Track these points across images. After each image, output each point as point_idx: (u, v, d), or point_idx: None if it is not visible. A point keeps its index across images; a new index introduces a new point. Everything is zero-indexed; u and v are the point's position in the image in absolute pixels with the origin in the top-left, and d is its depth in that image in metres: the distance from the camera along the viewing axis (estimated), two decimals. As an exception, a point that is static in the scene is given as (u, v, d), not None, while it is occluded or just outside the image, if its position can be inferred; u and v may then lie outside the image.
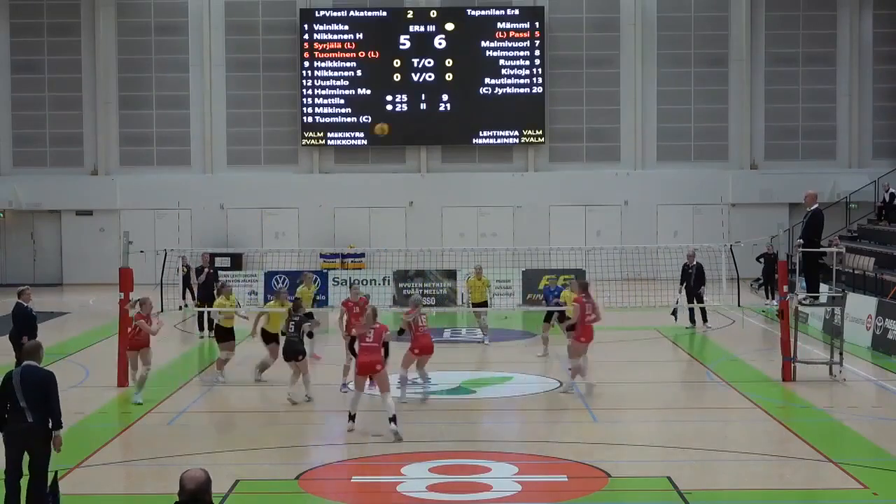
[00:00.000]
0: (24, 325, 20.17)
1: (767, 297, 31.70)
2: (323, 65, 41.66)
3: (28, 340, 19.98)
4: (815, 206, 21.26)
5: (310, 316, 20.57)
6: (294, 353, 18.73)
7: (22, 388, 11.63)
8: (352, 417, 16.62)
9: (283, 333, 19.16)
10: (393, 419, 15.99)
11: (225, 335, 21.09)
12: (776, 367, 21.03)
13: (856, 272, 31.05)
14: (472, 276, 26.34)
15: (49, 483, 11.62)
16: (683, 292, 27.78)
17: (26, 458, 11.79)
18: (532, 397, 19.72)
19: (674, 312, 27.76)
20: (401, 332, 19.29)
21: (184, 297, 30.37)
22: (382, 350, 17.09)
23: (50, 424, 11.71)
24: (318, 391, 19.60)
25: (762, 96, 42.17)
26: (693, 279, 27.71)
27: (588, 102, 42.10)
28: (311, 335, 19.21)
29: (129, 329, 19.91)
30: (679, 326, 27.73)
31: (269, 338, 20.59)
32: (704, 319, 28.04)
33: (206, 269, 27.24)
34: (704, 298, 27.51)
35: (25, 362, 11.90)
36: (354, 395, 16.77)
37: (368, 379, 16.86)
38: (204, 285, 26.92)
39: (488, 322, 26.47)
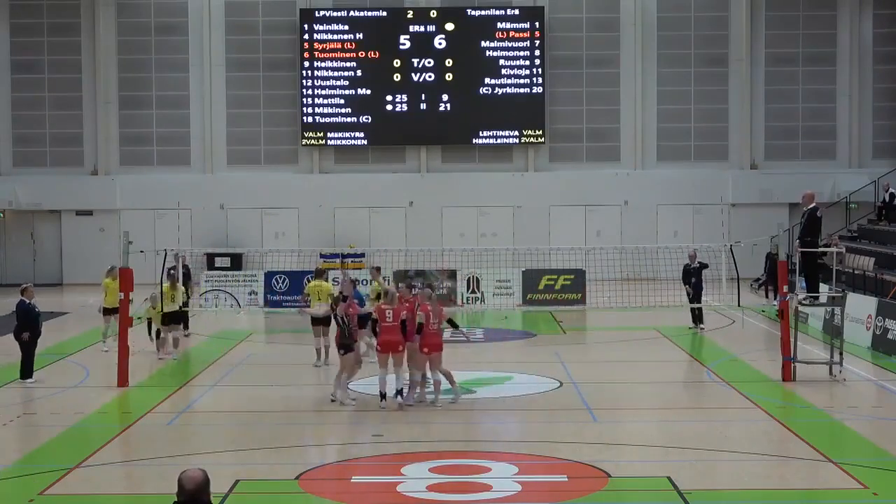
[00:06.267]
0: (25, 321, 20.33)
1: (767, 298, 31.70)
2: (323, 65, 41.64)
3: (29, 337, 20.31)
4: (813, 205, 21.28)
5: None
6: (343, 346, 18.09)
7: None
8: (383, 396, 17.72)
9: (334, 313, 18.29)
10: (399, 392, 17.63)
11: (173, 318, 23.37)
12: (776, 367, 21.02)
13: (856, 272, 31.03)
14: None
15: None
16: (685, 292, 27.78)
17: None
18: (532, 397, 19.68)
19: (694, 318, 27.75)
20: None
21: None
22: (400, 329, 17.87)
23: None
24: (317, 391, 19.62)
25: (762, 96, 42.15)
26: (694, 279, 27.73)
27: (588, 102, 42.08)
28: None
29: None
30: (682, 326, 27.69)
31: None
32: (700, 320, 27.84)
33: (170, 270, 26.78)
34: (702, 298, 27.48)
35: None
36: (381, 373, 17.82)
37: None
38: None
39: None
